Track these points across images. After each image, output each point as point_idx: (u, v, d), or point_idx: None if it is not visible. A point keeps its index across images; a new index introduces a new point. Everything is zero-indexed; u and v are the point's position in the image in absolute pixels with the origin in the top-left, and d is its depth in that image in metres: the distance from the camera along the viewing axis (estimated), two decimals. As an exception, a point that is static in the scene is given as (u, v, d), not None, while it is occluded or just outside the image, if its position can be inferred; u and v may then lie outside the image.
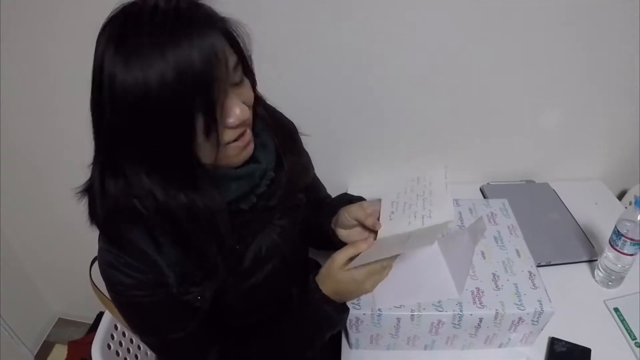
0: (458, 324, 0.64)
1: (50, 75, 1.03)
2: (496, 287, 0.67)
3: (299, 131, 0.73)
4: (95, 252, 0.69)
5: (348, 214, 0.62)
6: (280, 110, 0.70)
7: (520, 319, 0.65)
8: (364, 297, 0.65)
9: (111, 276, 0.55)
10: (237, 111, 0.49)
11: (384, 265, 0.58)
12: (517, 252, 0.73)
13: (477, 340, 0.68)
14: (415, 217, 0.55)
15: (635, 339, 0.74)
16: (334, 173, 1.09)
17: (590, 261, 0.88)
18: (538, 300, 0.65)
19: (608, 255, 0.80)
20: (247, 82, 0.53)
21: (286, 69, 0.95)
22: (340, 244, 0.62)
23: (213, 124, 0.47)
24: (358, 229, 0.63)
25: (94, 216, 0.54)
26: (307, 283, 0.61)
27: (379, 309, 0.64)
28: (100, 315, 1.48)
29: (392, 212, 0.59)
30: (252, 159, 0.56)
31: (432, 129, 1.04)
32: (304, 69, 0.95)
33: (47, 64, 1.01)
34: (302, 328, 0.61)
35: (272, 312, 0.65)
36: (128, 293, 0.56)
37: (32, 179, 1.27)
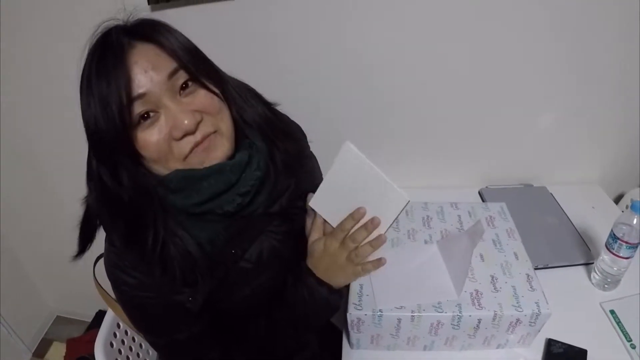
0: (457, 325, 0.65)
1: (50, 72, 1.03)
2: (494, 289, 0.68)
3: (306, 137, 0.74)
4: (95, 251, 0.70)
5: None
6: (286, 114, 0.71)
7: (518, 320, 0.66)
8: (365, 298, 0.66)
9: (117, 276, 0.57)
10: (179, 121, 0.51)
11: (350, 237, 0.57)
12: (515, 255, 0.74)
13: (476, 341, 0.69)
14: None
15: (631, 340, 0.75)
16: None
17: (587, 264, 0.89)
18: (535, 302, 0.66)
19: (604, 258, 0.81)
20: (202, 90, 0.53)
21: (287, 70, 0.96)
22: None
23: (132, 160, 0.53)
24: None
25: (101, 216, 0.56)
26: (300, 269, 0.61)
27: (380, 310, 0.65)
28: (99, 313, 1.50)
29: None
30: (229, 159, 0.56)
31: (432, 133, 1.05)
32: (303, 71, 0.96)
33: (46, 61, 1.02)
34: (296, 312, 0.61)
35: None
36: (133, 293, 0.57)
37: (31, 177, 1.27)
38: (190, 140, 0.52)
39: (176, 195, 0.55)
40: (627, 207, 1.08)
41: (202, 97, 0.53)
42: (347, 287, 0.66)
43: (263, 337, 0.64)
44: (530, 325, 0.67)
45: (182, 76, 0.52)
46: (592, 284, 0.85)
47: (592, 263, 0.87)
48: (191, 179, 0.54)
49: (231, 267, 0.61)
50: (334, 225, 0.58)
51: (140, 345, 0.83)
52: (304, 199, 0.62)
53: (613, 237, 0.78)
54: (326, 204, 0.58)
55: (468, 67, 0.93)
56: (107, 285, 0.66)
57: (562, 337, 0.73)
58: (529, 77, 0.95)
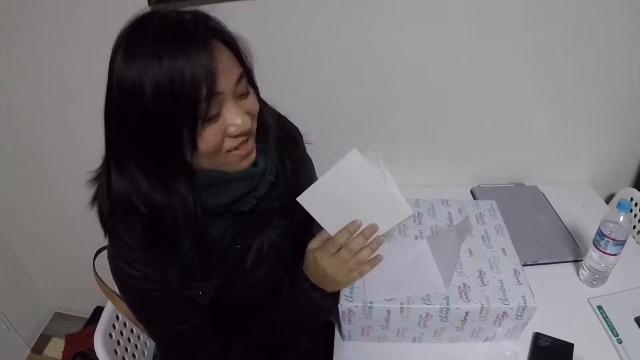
0: (445, 317, 0.67)
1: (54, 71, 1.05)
2: (482, 283, 0.69)
3: (303, 138, 0.76)
4: (94, 246, 0.72)
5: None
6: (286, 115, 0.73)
7: (504, 313, 0.67)
8: (356, 290, 0.68)
9: (121, 269, 0.58)
10: (238, 121, 0.52)
11: (354, 258, 0.58)
12: (503, 250, 0.76)
13: (464, 333, 0.71)
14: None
15: (617, 335, 0.76)
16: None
17: (575, 261, 0.90)
18: (522, 296, 0.67)
19: (592, 256, 0.83)
20: (252, 94, 0.56)
21: (288, 72, 0.97)
22: None
23: (193, 136, 0.50)
24: None
25: (101, 208, 0.57)
26: (296, 273, 0.63)
27: (370, 301, 0.66)
28: (97, 309, 1.51)
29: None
30: (252, 164, 0.60)
31: (426, 133, 1.07)
32: (303, 73, 0.98)
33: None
34: (291, 313, 0.64)
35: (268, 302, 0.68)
36: (137, 286, 0.58)
37: (31, 175, 1.29)
38: (238, 139, 0.55)
39: (205, 192, 0.57)
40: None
41: (252, 101, 0.56)
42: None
43: (260, 333, 0.67)
44: (517, 318, 0.69)
45: (244, 81, 0.54)
46: (581, 280, 0.87)
47: (581, 260, 0.88)
48: (221, 181, 0.57)
49: (237, 262, 0.64)
50: (320, 222, 0.60)
51: (139, 337, 0.85)
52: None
53: (600, 234, 0.80)
54: (316, 202, 0.59)
55: (461, 68, 0.95)
56: (106, 277, 0.68)
57: (550, 331, 0.75)
58: (522, 78, 0.97)
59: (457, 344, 0.73)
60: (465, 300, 0.67)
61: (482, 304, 0.66)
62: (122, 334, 0.79)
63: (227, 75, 0.51)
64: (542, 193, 1.08)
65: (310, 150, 0.80)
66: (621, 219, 0.78)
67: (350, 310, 0.68)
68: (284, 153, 0.66)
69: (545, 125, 1.04)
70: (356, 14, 0.90)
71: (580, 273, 0.87)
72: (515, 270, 0.72)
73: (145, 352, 0.87)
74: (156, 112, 0.48)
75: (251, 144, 0.57)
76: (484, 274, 0.71)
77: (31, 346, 1.54)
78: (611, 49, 0.91)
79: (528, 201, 1.05)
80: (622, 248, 0.79)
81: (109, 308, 0.78)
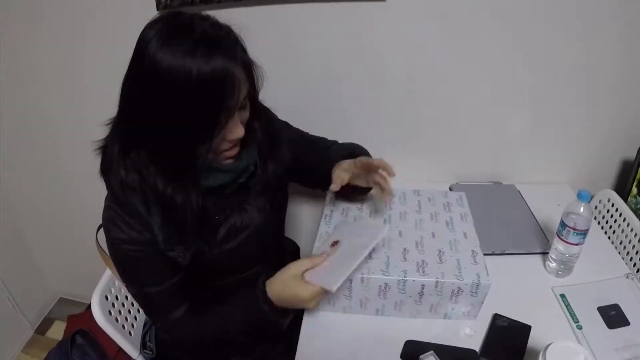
0: (403, 289, 0.72)
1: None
2: (440, 261, 0.74)
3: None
4: (101, 235, 0.80)
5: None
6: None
7: (459, 289, 0.72)
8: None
9: (110, 231, 0.67)
10: (240, 132, 0.64)
11: (327, 291, 0.66)
12: (465, 234, 0.81)
13: (423, 308, 0.75)
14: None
15: (578, 321, 0.79)
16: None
17: (544, 253, 0.93)
18: (476, 274, 0.72)
19: (557, 247, 0.87)
20: (248, 106, 0.67)
21: (287, 72, 1.03)
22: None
23: (210, 134, 0.61)
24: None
25: (106, 173, 0.66)
26: (259, 280, 0.71)
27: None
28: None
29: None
30: (237, 157, 0.70)
31: (405, 129, 1.11)
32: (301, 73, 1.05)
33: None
34: (244, 315, 0.71)
35: (242, 277, 0.76)
36: (121, 246, 0.67)
37: (41, 160, 1.35)
38: (232, 143, 0.66)
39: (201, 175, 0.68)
40: (595, 207, 1.13)
41: (247, 113, 0.68)
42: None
43: (216, 322, 0.73)
44: (472, 295, 0.73)
45: (247, 97, 0.65)
46: (547, 271, 0.90)
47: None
48: (214, 170, 0.68)
49: (212, 232, 0.72)
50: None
51: (132, 304, 0.94)
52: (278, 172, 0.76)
53: (562, 225, 0.84)
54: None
55: (440, 66, 1.00)
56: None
57: (512, 315, 0.78)
58: (501, 77, 1.00)
59: (418, 320, 0.77)
60: (421, 274, 0.71)
61: (437, 279, 0.71)
62: (117, 298, 0.88)
63: (242, 90, 0.62)
64: (518, 191, 1.11)
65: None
66: (581, 209, 0.82)
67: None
68: (264, 150, 0.76)
69: (524, 125, 1.08)
70: (342, 15, 0.95)
71: (546, 264, 0.91)
72: (473, 252, 0.77)
73: (137, 318, 0.95)
74: (193, 97, 0.57)
75: (237, 147, 0.69)
76: (443, 253, 0.76)
77: (35, 327, 1.62)
78: (590, 50, 0.94)
79: (503, 198, 1.08)
80: (584, 238, 0.82)
81: (107, 274, 0.87)
